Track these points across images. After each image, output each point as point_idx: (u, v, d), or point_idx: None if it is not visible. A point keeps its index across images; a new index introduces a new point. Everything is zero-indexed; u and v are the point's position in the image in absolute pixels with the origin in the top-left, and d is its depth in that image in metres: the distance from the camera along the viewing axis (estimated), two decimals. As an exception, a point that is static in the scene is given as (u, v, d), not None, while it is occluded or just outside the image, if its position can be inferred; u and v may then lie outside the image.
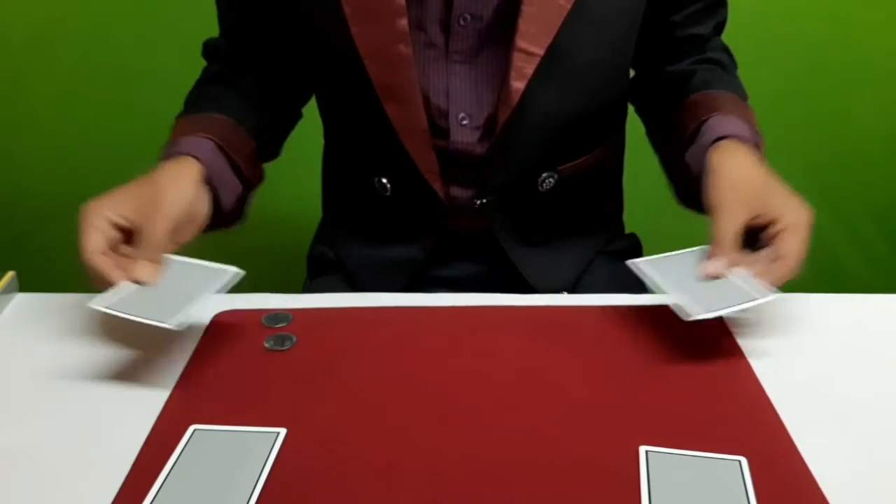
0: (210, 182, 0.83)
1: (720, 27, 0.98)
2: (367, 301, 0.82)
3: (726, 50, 0.98)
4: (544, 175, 0.93)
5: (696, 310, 0.71)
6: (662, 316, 0.78)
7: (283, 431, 0.63)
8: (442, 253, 0.96)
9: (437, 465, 0.60)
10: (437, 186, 0.90)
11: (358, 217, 1.01)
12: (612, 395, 0.68)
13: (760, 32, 1.51)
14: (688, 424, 0.65)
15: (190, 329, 0.75)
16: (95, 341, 0.76)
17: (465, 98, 0.89)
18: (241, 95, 0.93)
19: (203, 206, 0.81)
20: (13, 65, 1.59)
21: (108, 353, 0.74)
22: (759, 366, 0.72)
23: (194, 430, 0.63)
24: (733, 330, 0.77)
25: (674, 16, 0.94)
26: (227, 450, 0.61)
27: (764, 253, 0.76)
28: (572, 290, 0.97)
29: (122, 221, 0.75)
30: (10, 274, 0.83)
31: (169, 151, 0.84)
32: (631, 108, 1.03)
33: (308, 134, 1.06)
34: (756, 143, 0.85)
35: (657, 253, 0.80)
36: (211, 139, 0.85)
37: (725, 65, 0.96)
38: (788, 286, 0.74)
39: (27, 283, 0.85)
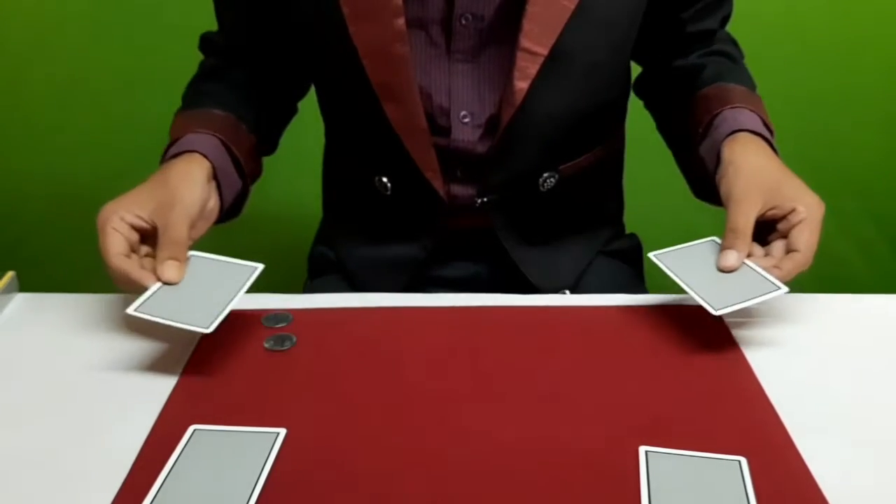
0: (217, 178, 0.83)
1: (726, 20, 0.98)
2: (367, 301, 0.82)
3: (733, 41, 0.98)
4: (545, 175, 0.93)
5: (718, 305, 0.71)
6: (663, 316, 0.78)
7: (283, 432, 0.63)
8: (442, 252, 0.96)
9: (437, 464, 0.61)
10: (437, 185, 0.90)
11: (358, 217, 1.01)
12: (612, 395, 0.68)
13: (760, 30, 1.51)
14: (687, 424, 0.65)
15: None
16: (95, 341, 0.76)
17: (466, 96, 0.89)
18: (239, 90, 0.94)
19: (214, 203, 0.83)
20: (13, 65, 1.59)
21: (108, 354, 0.74)
22: (758, 366, 0.72)
23: (194, 430, 0.63)
24: (733, 330, 0.77)
25: (682, 13, 0.94)
26: (227, 450, 0.61)
27: (777, 245, 0.77)
28: (573, 289, 0.98)
29: (139, 223, 0.75)
30: (10, 274, 0.83)
31: (175, 148, 0.84)
32: (631, 107, 1.03)
33: (308, 134, 1.06)
34: (768, 136, 0.86)
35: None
36: (216, 136, 0.86)
37: (734, 56, 0.96)
38: (788, 286, 0.74)
39: (27, 285, 0.85)
